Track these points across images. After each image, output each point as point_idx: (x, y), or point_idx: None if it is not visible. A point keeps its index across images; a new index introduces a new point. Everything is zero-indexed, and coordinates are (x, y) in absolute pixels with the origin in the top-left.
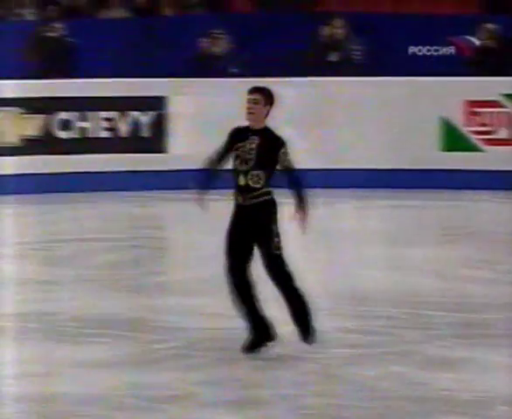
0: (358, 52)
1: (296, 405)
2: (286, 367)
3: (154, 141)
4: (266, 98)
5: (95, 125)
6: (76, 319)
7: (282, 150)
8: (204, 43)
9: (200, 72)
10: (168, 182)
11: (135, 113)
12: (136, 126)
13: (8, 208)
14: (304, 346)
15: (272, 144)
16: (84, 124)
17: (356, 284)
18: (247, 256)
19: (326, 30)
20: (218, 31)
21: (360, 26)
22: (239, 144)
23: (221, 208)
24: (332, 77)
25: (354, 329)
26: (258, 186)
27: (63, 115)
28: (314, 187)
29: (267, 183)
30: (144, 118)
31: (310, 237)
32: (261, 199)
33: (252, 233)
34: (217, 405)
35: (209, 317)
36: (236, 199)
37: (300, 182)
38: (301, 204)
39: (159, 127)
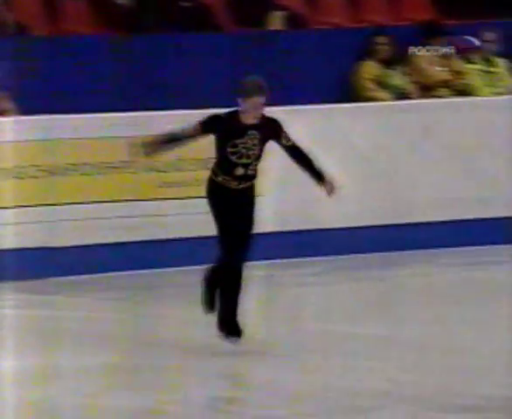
0: None
1: None
2: None
3: None
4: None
5: None
6: None
7: (283, 134)
8: None
9: None
10: None
11: None
12: None
13: None
14: None
15: (271, 132)
16: None
17: None
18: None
19: None
20: None
21: None
22: (238, 141)
23: None
24: None
25: None
26: (254, 173)
27: None
28: None
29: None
30: None
31: None
32: (253, 182)
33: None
34: None
35: None
36: (227, 183)
37: (309, 156)
38: (322, 176)
39: None
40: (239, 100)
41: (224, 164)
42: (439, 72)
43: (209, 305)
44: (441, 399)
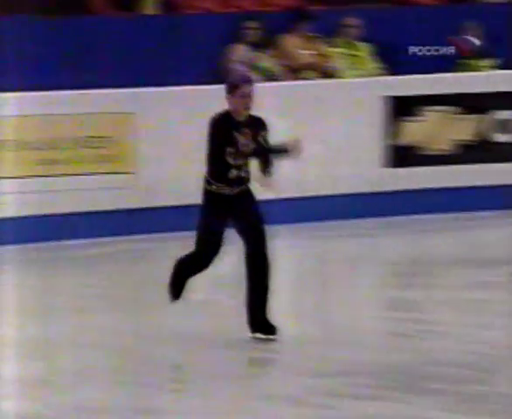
0: None
1: None
2: None
3: None
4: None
5: None
6: None
7: (263, 133)
8: None
9: None
10: None
11: None
12: None
13: None
14: None
15: (257, 129)
16: None
17: None
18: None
19: None
20: None
21: None
22: (234, 140)
23: None
24: None
25: None
26: (247, 176)
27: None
28: None
29: None
30: None
31: None
32: (248, 186)
33: (239, 214)
34: None
35: None
36: (221, 190)
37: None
38: (268, 172)
39: None
40: (227, 97)
41: (217, 169)
42: (304, 55)
43: (175, 293)
44: (315, 366)
